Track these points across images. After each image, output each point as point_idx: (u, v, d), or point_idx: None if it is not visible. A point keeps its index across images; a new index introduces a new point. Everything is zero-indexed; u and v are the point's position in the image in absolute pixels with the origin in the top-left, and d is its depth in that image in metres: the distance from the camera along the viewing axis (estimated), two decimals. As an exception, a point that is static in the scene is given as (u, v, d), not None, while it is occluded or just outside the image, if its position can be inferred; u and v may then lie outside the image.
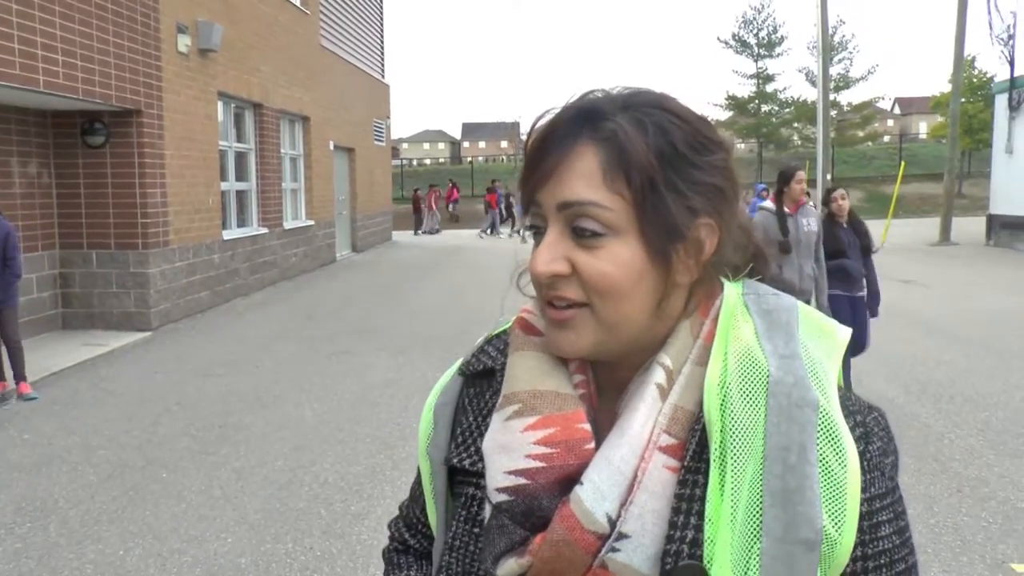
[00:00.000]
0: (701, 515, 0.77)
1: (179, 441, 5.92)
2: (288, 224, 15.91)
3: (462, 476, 0.93)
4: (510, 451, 0.83)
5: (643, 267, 0.81)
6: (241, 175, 14.04)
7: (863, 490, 0.79)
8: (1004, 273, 15.25)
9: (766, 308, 0.86)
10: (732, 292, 0.87)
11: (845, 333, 0.87)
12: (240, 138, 14.02)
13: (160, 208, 10.50)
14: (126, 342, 9.54)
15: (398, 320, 10.91)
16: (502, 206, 30.92)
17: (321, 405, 6.81)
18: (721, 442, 0.77)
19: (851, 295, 6.27)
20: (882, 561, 0.81)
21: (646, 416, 0.81)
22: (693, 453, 0.80)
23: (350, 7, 21.35)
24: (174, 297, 10.88)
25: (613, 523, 0.79)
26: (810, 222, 5.92)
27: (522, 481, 0.82)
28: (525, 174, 0.85)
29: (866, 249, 6.45)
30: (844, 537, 0.76)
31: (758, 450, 0.76)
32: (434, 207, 31.84)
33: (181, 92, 11.12)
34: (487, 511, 0.85)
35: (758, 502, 0.75)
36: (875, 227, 23.19)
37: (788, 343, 0.82)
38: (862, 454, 0.80)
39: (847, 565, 0.78)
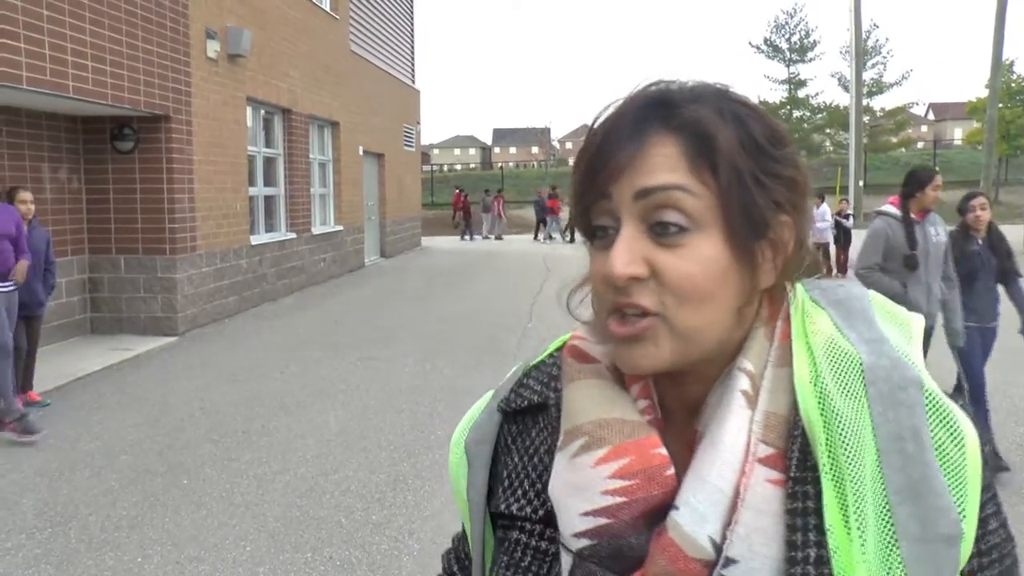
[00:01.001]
0: (820, 529, 0.69)
1: (201, 447, 5.88)
2: (316, 229, 15.93)
3: (506, 521, 0.85)
4: (584, 491, 0.75)
5: (727, 266, 0.73)
6: (270, 180, 14.07)
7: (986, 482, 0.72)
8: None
9: (836, 298, 0.80)
10: (798, 290, 0.81)
11: (920, 321, 0.81)
12: (269, 143, 14.06)
13: (188, 213, 10.53)
14: (153, 347, 9.56)
15: (426, 326, 10.85)
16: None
17: (345, 412, 6.75)
18: (829, 444, 0.70)
19: (982, 326, 5.30)
20: (995, 556, 0.74)
21: (738, 427, 0.73)
22: (798, 461, 0.71)
23: (380, 12, 21.40)
24: (201, 302, 10.90)
25: (718, 547, 0.70)
26: (939, 231, 5.05)
27: (604, 521, 0.74)
28: (592, 168, 0.76)
29: (1008, 273, 5.39)
30: (968, 530, 0.69)
31: (870, 445, 0.69)
32: (502, 214, 31.40)
33: (210, 97, 11.16)
34: (564, 561, 0.77)
35: (884, 503, 0.68)
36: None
37: (871, 328, 0.76)
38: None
39: (966, 563, 0.71)
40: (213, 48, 11.10)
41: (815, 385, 0.72)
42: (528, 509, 0.82)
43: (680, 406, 0.79)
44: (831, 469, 0.69)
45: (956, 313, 5.09)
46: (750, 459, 0.72)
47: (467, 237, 29.94)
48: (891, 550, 0.67)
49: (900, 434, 0.69)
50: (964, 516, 0.69)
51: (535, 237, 29.45)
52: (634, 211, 0.73)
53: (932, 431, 0.70)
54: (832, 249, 16.27)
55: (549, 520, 0.80)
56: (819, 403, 0.71)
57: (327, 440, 6.00)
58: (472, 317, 11.54)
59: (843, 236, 16.14)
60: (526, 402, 0.87)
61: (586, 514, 0.74)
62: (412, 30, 25.44)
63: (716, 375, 0.77)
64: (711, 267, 0.72)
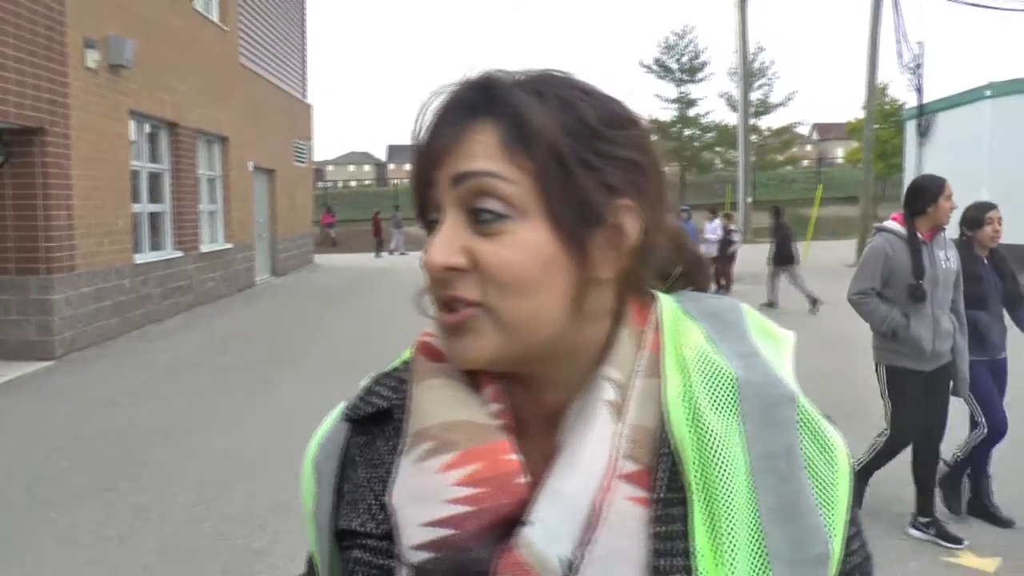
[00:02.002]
0: (687, 554, 0.65)
1: (73, 478, 5.57)
2: (205, 247, 15.45)
3: (348, 540, 0.78)
4: (427, 498, 0.69)
5: (553, 254, 0.68)
6: (155, 196, 13.57)
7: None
8: None
9: (709, 310, 0.76)
10: (666, 300, 0.77)
11: (791, 337, 0.79)
12: (154, 158, 13.57)
13: (66, 231, 10.04)
14: (25, 372, 9.05)
15: (317, 346, 10.62)
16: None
17: (230, 436, 6.52)
18: (700, 463, 0.66)
19: (991, 359, 4.61)
20: None
21: (600, 439, 0.68)
22: (667, 481, 0.67)
23: (271, 25, 21.00)
24: (80, 324, 10.40)
25: (570, 568, 0.66)
26: (949, 256, 4.32)
27: (447, 532, 0.68)
28: (417, 156, 0.73)
29: (1016, 298, 4.75)
30: (835, 549, 0.68)
31: (741, 464, 0.66)
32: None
33: (90, 109, 10.69)
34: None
35: (756, 525, 0.65)
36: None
37: (744, 342, 0.73)
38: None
39: None
40: (93, 58, 10.65)
41: (686, 400, 0.68)
42: (371, 524, 0.76)
43: (538, 416, 0.74)
44: (702, 489, 0.66)
45: (964, 355, 4.39)
46: (612, 475, 0.67)
47: (382, 254, 30.59)
48: (763, 574, 0.65)
49: (773, 452, 0.67)
50: (833, 535, 0.67)
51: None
52: (454, 199, 0.70)
53: (804, 449, 0.68)
54: (717, 264, 16.55)
55: (392, 535, 0.73)
56: (690, 420, 0.67)
57: (210, 466, 5.77)
58: (364, 335, 11.37)
59: (727, 250, 16.31)
60: (373, 408, 0.81)
61: (428, 524, 0.68)
62: (304, 44, 25.09)
63: (578, 383, 0.72)
64: (533, 255, 0.68)
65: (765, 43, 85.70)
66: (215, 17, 16.24)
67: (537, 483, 0.69)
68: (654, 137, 0.76)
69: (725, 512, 0.65)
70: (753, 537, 0.65)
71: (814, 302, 13.28)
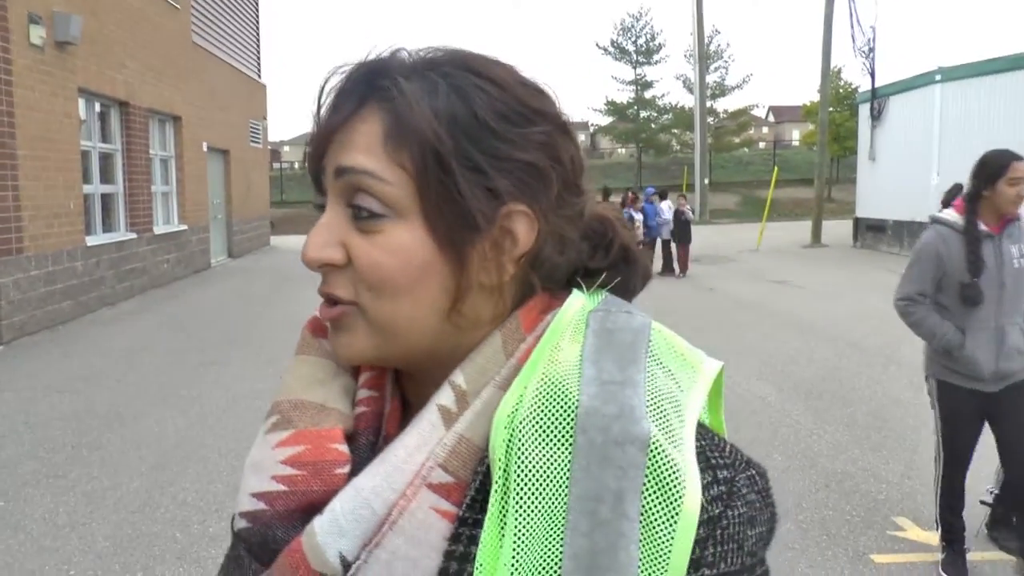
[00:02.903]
0: None
1: (23, 465, 5.46)
2: (159, 229, 15.19)
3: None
4: (260, 470, 0.69)
5: (428, 259, 0.66)
6: (107, 178, 13.28)
7: (707, 563, 0.62)
8: (868, 274, 15.92)
9: (607, 326, 0.67)
10: (576, 304, 0.70)
11: (713, 364, 0.71)
12: (105, 138, 13.27)
13: (12, 213, 9.79)
14: (-28, 357, 8.85)
15: (272, 328, 10.51)
16: None
17: (185, 420, 6.45)
18: (503, 489, 0.61)
19: None
20: None
21: (418, 443, 0.65)
22: (472, 500, 0.64)
23: (224, 3, 20.62)
24: (30, 308, 10.17)
25: (348, 566, 0.64)
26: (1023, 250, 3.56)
27: (261, 506, 0.68)
28: (311, 138, 0.71)
29: None
30: None
31: (559, 501, 0.60)
32: None
33: (36, 88, 10.41)
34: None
35: (555, 567, 0.59)
36: (751, 230, 23.72)
37: (624, 368, 0.64)
38: (714, 519, 0.62)
39: None
40: (38, 34, 10.35)
41: (510, 421, 0.63)
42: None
43: (421, 405, 0.70)
44: (497, 519, 0.61)
45: None
46: (418, 481, 0.64)
47: None
48: None
49: (599, 495, 0.59)
50: None
51: None
52: (335, 190, 0.68)
53: (645, 499, 0.60)
54: (673, 248, 16.36)
55: None
56: (506, 444, 0.62)
57: (164, 451, 5.70)
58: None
59: (682, 232, 16.17)
60: None
61: (253, 495, 0.69)
62: (257, 22, 24.71)
63: None
64: (406, 258, 0.66)
65: (721, 26, 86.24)
66: (166, -6, 15.91)
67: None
68: (567, 132, 0.71)
69: (516, 548, 0.60)
70: None
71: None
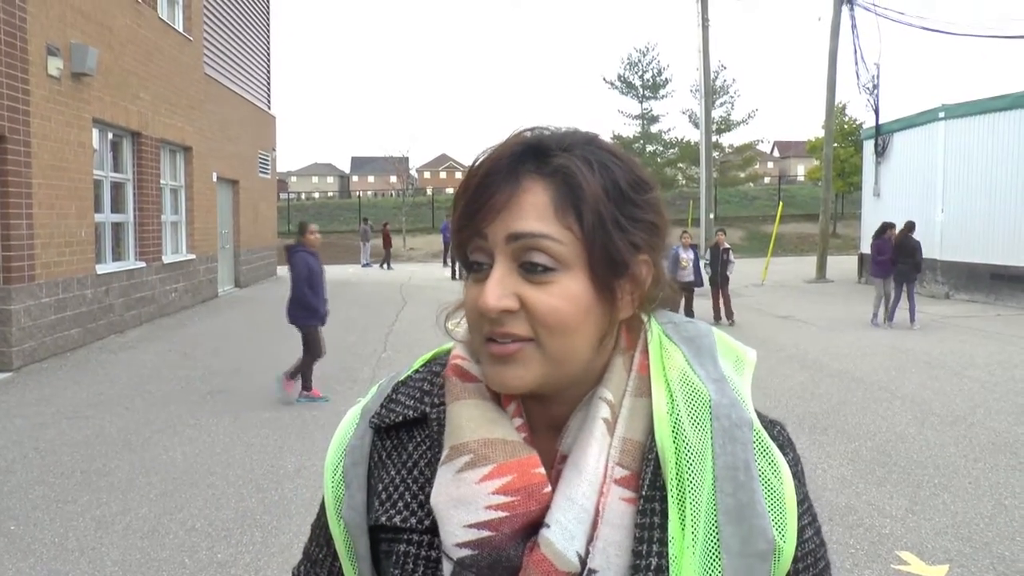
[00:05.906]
0: (663, 542, 0.79)
1: (33, 490, 5.52)
2: (168, 258, 15.32)
3: (389, 534, 0.89)
4: (468, 504, 0.82)
5: (591, 302, 0.82)
6: (118, 207, 13.44)
7: (801, 499, 0.85)
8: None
9: (687, 335, 0.90)
10: (654, 326, 0.91)
11: (752, 354, 0.93)
12: (117, 168, 13.44)
13: (26, 240, 9.92)
14: (-17, 382, 8.92)
15: (278, 357, 10.55)
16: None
17: (193, 447, 6.49)
18: (677, 469, 0.80)
19: None
20: (809, 562, 0.87)
21: (598, 451, 0.83)
22: (649, 482, 0.82)
23: (235, 35, 20.93)
24: (40, 335, 10.26)
25: (583, 561, 0.80)
26: None
27: (485, 533, 0.81)
28: (469, 208, 0.83)
29: None
30: (787, 544, 0.81)
31: (708, 472, 0.80)
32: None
33: (52, 118, 10.59)
34: (445, 569, 0.83)
35: (714, 521, 0.79)
36: (756, 265, 23.62)
37: (716, 366, 0.87)
38: (788, 464, 0.86)
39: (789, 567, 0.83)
40: (55, 65, 10.56)
41: (671, 416, 0.82)
42: (412, 520, 0.87)
43: (544, 424, 0.88)
44: (676, 490, 0.80)
45: None
46: (607, 480, 0.82)
47: (385, 266, 30.76)
48: (714, 562, 0.78)
49: (735, 464, 0.80)
50: (785, 531, 0.81)
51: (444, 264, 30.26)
52: (506, 251, 0.81)
53: (758, 464, 0.82)
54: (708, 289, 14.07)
55: (435, 530, 0.85)
56: (673, 433, 0.82)
57: (172, 478, 5.75)
58: (328, 347, 11.32)
59: (723, 272, 13.88)
60: (400, 417, 0.92)
61: (469, 526, 0.81)
62: (268, 54, 25.02)
63: (579, 397, 0.86)
64: (576, 302, 0.81)
65: (727, 62, 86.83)
66: (179, 27, 16.16)
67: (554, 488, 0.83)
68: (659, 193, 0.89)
69: (692, 510, 0.79)
70: (710, 532, 0.79)
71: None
